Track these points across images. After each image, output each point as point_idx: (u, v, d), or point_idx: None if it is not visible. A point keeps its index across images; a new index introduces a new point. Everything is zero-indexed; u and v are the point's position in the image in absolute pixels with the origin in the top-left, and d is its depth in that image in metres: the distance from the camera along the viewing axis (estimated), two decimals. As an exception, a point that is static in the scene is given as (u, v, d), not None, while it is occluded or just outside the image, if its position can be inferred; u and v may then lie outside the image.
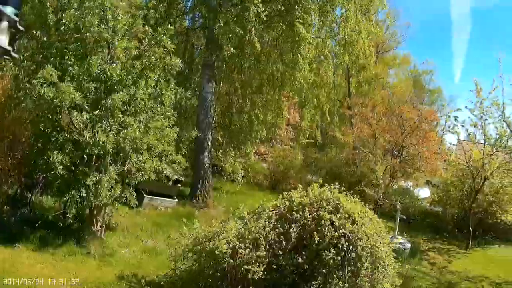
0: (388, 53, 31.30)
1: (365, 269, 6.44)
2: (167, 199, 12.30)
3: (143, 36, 8.54)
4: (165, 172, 9.20)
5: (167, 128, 8.86)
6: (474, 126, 14.43)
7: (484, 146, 14.73)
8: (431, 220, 17.29)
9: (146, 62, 8.25)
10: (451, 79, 65.43)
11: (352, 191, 7.48)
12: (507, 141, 13.72)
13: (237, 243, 6.42)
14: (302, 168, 21.58)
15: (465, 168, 15.59)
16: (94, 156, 7.72)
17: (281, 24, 13.22)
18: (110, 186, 7.69)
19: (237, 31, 11.82)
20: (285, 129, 21.36)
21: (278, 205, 7.26)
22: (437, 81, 39.76)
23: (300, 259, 6.35)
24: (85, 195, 7.49)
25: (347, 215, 6.72)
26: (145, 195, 11.51)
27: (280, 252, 6.43)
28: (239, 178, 14.73)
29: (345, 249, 6.33)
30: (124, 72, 7.77)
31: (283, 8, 12.81)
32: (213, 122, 14.48)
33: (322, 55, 15.86)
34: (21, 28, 3.12)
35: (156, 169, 8.64)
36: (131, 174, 8.37)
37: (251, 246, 6.37)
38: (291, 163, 20.74)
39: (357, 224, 6.63)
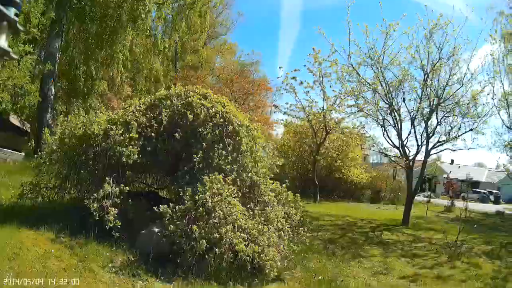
0: (217, 40, 31.36)
1: (246, 145, 6.58)
2: (15, 152, 11.49)
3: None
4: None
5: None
6: (314, 84, 15.53)
7: (324, 103, 15.80)
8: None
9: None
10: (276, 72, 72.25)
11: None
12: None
13: (109, 126, 6.15)
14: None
15: (305, 124, 16.79)
16: None
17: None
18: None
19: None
20: (116, 102, 20.12)
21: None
22: (262, 71, 41.43)
23: (176, 135, 6.23)
24: None
25: (217, 102, 6.88)
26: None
27: (153, 135, 6.27)
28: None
29: (221, 124, 6.45)
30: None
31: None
32: (57, 77, 13.89)
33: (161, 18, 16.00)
34: (21, 29, 2.95)
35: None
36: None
37: (123, 129, 6.13)
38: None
39: (228, 108, 6.84)
